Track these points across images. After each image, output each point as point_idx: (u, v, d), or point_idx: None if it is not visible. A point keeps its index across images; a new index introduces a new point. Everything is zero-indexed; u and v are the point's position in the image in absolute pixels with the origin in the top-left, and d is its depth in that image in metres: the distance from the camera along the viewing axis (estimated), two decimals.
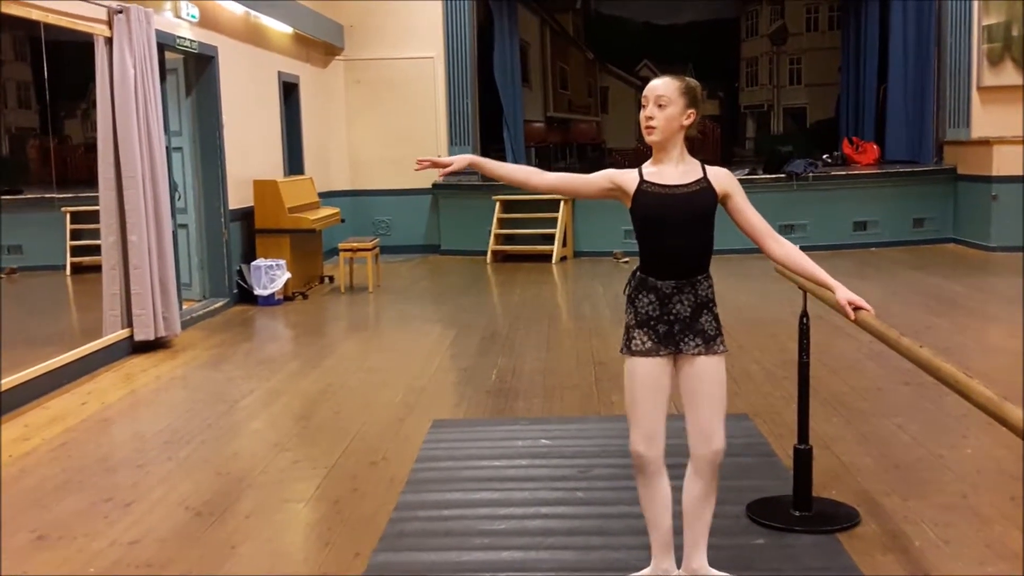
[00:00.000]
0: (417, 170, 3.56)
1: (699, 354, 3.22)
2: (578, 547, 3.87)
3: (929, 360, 2.81)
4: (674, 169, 3.22)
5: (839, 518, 4.06)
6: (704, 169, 3.24)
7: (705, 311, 3.24)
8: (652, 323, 3.22)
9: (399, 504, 4.40)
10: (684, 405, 3.29)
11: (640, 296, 3.25)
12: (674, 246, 3.21)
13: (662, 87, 3.19)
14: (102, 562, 3.90)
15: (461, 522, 4.16)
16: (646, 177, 3.22)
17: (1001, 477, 4.54)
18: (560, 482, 4.60)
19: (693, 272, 3.23)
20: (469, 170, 3.51)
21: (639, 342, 3.23)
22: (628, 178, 3.25)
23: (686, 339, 3.22)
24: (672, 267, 3.22)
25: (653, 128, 3.18)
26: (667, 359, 3.24)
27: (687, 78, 3.24)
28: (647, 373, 3.23)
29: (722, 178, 3.25)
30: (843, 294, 3.30)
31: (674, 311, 3.21)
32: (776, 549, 3.80)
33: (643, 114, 3.20)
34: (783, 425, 5.28)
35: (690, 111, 3.20)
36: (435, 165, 3.42)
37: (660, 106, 3.17)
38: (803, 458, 4.10)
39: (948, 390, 2.76)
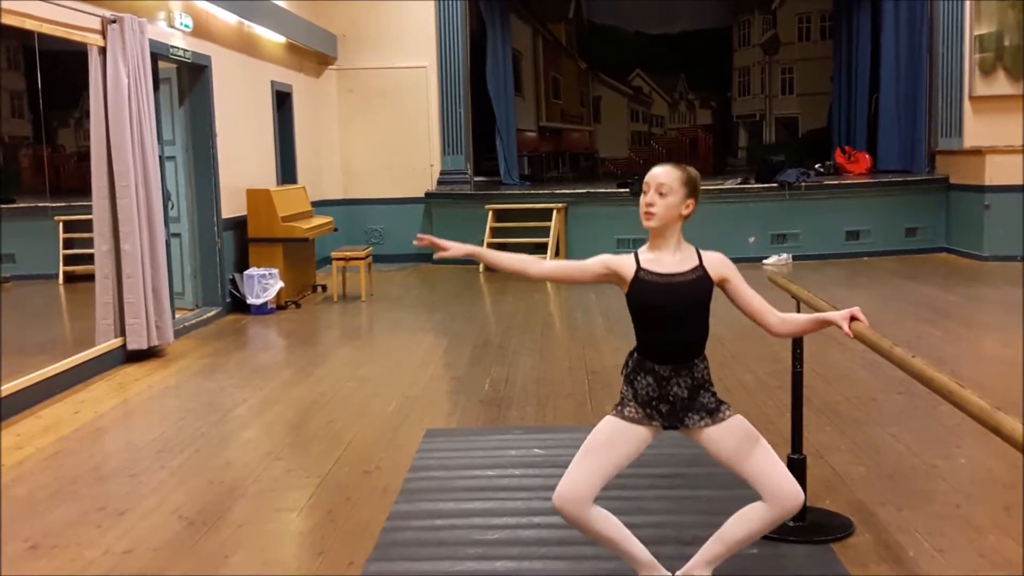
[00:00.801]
0: (415, 245, 3.49)
1: (706, 426, 3.24)
2: (570, 557, 3.86)
3: (923, 370, 2.82)
4: (671, 257, 3.23)
5: (833, 528, 4.06)
6: (700, 256, 3.26)
7: (702, 390, 3.26)
8: (654, 403, 3.24)
9: (392, 513, 4.39)
10: (737, 476, 3.26)
11: (638, 378, 3.27)
12: (671, 333, 3.23)
13: (664, 176, 3.20)
14: (95, 571, 3.89)
15: (454, 532, 4.16)
16: (643, 264, 3.23)
17: (994, 487, 4.55)
18: (553, 492, 4.57)
19: (690, 356, 3.25)
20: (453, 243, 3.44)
21: (632, 411, 3.25)
22: (625, 265, 3.24)
23: (689, 415, 3.24)
24: (669, 352, 3.24)
25: (653, 214, 3.19)
26: (652, 431, 3.26)
27: (688, 168, 3.26)
28: (620, 434, 3.24)
29: (718, 264, 3.26)
30: (840, 316, 3.30)
31: (672, 392, 3.24)
32: (770, 559, 3.79)
33: (643, 200, 3.21)
34: (777, 434, 5.27)
35: (690, 201, 3.22)
36: (433, 245, 3.37)
37: (661, 194, 3.18)
38: (797, 468, 4.09)
39: (941, 400, 2.77)
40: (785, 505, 3.19)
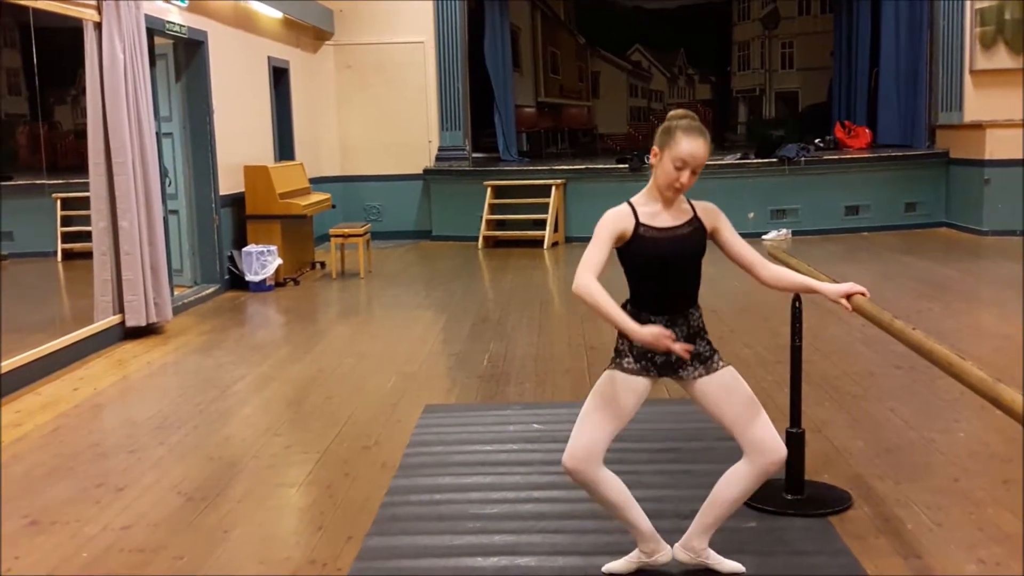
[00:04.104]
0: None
1: (699, 376, 3.24)
2: (570, 530, 3.87)
3: (922, 343, 2.81)
4: (668, 209, 3.21)
5: (831, 501, 4.07)
6: (693, 207, 3.25)
7: (698, 339, 3.26)
8: (649, 355, 3.23)
9: (391, 488, 4.40)
10: (726, 429, 3.27)
11: None
12: (667, 284, 3.22)
13: (703, 155, 3.12)
14: (94, 547, 3.90)
15: (453, 506, 4.17)
16: (641, 219, 3.19)
17: (992, 460, 4.55)
18: (552, 466, 4.56)
19: (685, 306, 3.26)
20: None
21: (631, 362, 3.24)
22: (625, 223, 3.18)
23: (684, 366, 3.24)
24: (665, 303, 3.24)
25: (680, 191, 3.16)
26: (651, 382, 3.26)
27: (704, 129, 3.17)
28: (622, 389, 3.22)
29: (710, 214, 3.26)
30: (835, 290, 3.30)
31: None
32: (768, 532, 3.80)
33: (678, 177, 3.11)
34: (775, 409, 5.27)
35: None
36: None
37: (695, 172, 3.13)
38: (795, 442, 4.10)
39: (940, 374, 2.77)
40: (767, 459, 3.20)
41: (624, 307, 3.25)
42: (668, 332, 3.00)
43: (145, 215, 7.67)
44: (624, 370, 3.24)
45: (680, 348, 3.02)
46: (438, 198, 13.82)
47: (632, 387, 3.23)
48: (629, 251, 3.21)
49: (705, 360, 3.25)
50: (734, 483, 3.29)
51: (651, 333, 2.99)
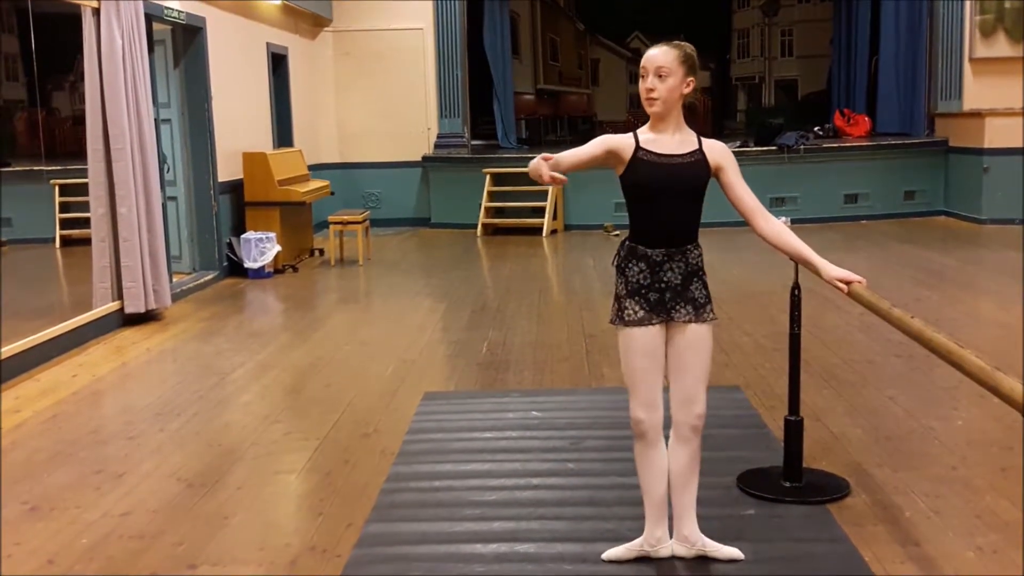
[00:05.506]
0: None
1: (689, 322, 3.25)
2: (569, 517, 3.88)
3: (921, 331, 2.82)
4: (671, 138, 3.22)
5: (829, 489, 4.08)
6: (700, 140, 3.25)
7: (695, 279, 3.26)
8: (643, 291, 3.23)
9: (390, 475, 4.40)
10: (670, 371, 3.32)
11: (630, 265, 3.26)
12: (666, 215, 3.21)
13: (662, 57, 3.17)
14: (94, 533, 3.90)
15: (452, 493, 4.17)
16: (642, 144, 3.21)
17: (991, 448, 4.56)
18: (551, 453, 4.60)
19: (683, 241, 3.25)
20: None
21: (631, 312, 3.24)
22: (624, 145, 3.23)
23: (677, 307, 3.24)
24: (663, 236, 3.23)
25: (655, 100, 3.17)
26: (660, 327, 3.26)
27: (683, 44, 3.22)
28: (643, 343, 3.24)
29: (716, 151, 3.26)
30: (831, 272, 3.31)
31: (665, 279, 3.23)
32: (766, 519, 3.81)
33: (643, 85, 3.18)
34: (774, 397, 5.29)
35: (690, 79, 3.21)
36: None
37: (660, 77, 3.15)
38: (794, 429, 4.11)
39: (939, 362, 2.77)
40: (682, 416, 3.29)
41: (623, 244, 3.29)
42: (543, 155, 3.12)
43: (144, 202, 7.66)
44: (628, 323, 3.25)
45: (547, 174, 3.12)
46: (437, 185, 13.80)
47: (650, 337, 3.25)
48: (628, 176, 3.23)
49: (698, 307, 3.26)
50: (675, 456, 3.36)
51: (531, 163, 3.16)
